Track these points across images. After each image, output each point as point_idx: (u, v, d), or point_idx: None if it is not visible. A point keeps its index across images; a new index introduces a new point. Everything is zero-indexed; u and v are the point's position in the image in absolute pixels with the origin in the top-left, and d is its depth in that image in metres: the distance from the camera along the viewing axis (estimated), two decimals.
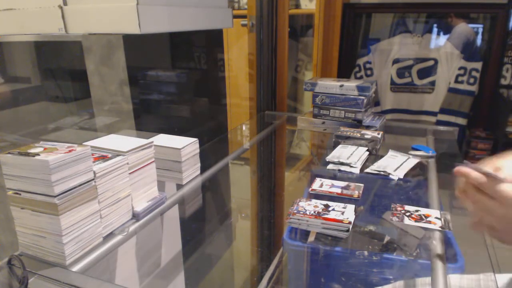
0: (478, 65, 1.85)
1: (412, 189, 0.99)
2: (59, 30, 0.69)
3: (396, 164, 1.07)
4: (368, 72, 2.05)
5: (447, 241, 0.72)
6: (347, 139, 1.21)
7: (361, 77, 2.06)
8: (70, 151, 0.63)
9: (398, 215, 0.77)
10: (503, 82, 1.90)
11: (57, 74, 1.31)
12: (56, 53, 1.26)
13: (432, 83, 1.96)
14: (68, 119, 1.24)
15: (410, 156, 1.13)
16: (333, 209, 0.80)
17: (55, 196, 0.61)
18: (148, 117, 1.42)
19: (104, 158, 0.72)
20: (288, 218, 0.78)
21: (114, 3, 0.67)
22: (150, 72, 1.50)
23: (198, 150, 1.00)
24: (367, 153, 1.14)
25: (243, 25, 1.63)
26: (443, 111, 1.93)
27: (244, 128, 1.66)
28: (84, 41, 1.21)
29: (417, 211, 0.79)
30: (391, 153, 1.15)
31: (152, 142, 0.83)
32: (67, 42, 1.25)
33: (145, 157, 0.81)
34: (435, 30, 1.94)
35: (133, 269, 0.81)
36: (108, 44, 1.22)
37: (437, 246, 0.68)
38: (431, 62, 1.94)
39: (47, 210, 0.62)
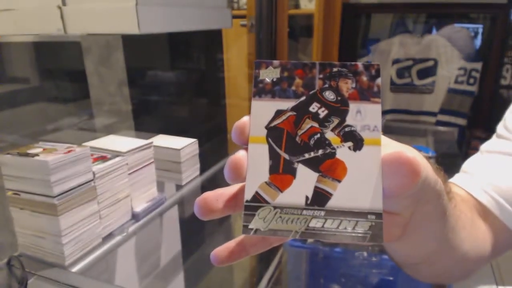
0: (478, 65, 1.85)
1: None
2: (58, 30, 0.69)
3: None
4: None
5: None
6: None
7: None
8: (69, 151, 0.63)
9: None
10: (503, 82, 1.90)
11: (56, 75, 1.31)
12: (55, 53, 1.26)
13: (432, 84, 1.96)
14: (67, 120, 1.24)
15: None
16: None
17: (54, 197, 0.61)
18: (147, 117, 1.42)
19: (103, 159, 0.72)
20: None
21: (113, 3, 0.67)
22: (149, 73, 1.50)
23: (197, 151, 1.00)
24: None
25: (243, 25, 1.63)
26: (443, 111, 1.93)
27: None
28: (83, 42, 1.21)
29: None
30: None
31: (152, 142, 0.83)
32: (66, 43, 1.25)
33: (144, 157, 0.81)
34: (435, 30, 1.94)
35: (132, 269, 0.81)
36: (107, 44, 1.22)
37: None
38: (431, 63, 1.93)
39: (46, 210, 0.62)
